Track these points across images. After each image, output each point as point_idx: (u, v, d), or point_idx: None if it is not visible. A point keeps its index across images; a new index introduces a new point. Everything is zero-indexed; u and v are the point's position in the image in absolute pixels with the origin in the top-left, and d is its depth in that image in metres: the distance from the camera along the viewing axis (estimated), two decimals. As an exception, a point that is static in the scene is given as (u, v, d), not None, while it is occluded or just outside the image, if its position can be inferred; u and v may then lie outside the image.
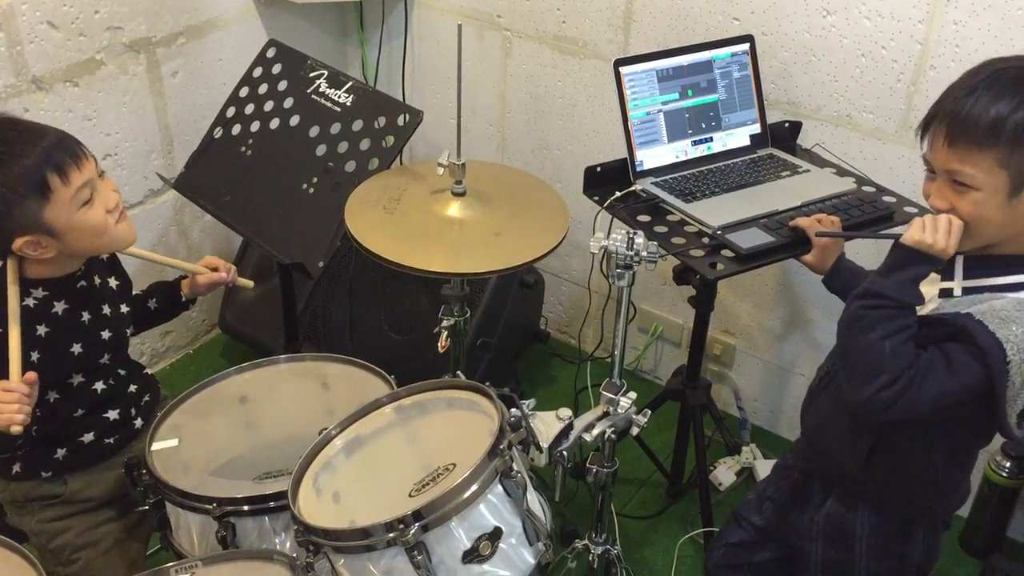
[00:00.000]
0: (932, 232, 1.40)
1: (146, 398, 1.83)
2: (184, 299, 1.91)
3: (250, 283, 2.02)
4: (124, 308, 1.77)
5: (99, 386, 1.71)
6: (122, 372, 1.77)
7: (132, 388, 1.80)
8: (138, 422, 1.80)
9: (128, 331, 1.78)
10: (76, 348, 1.65)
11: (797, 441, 1.82)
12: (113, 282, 1.76)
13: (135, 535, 1.81)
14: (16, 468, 1.70)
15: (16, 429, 1.44)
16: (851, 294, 1.48)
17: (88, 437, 1.72)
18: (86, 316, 1.67)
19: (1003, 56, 1.42)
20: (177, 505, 1.60)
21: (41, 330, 1.60)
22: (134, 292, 1.85)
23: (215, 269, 1.90)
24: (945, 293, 1.47)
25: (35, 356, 1.58)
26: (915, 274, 1.43)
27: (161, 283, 1.93)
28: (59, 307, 1.63)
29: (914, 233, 1.42)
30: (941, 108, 1.41)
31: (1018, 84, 1.35)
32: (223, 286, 1.93)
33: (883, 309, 1.42)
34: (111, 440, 1.75)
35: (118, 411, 1.76)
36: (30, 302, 1.60)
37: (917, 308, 1.46)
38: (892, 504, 1.61)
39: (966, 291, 1.45)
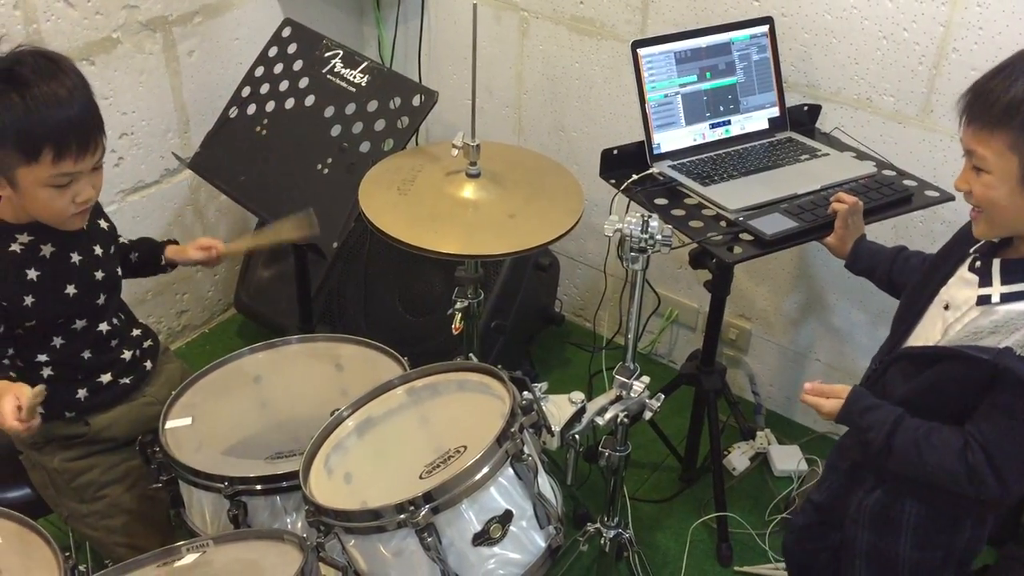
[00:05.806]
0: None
1: (148, 342, 1.86)
2: (164, 263, 1.91)
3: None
4: (113, 248, 1.78)
5: (103, 327, 1.73)
6: (122, 315, 1.80)
7: (135, 332, 1.83)
8: (147, 364, 1.83)
9: (119, 271, 1.79)
10: (71, 289, 1.66)
11: (847, 432, 1.73)
12: (103, 223, 1.77)
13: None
14: (39, 408, 1.71)
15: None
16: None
17: (105, 378, 1.75)
18: (76, 257, 1.67)
19: None
20: (189, 484, 1.61)
21: (32, 274, 1.61)
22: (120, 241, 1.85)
23: (209, 249, 1.90)
24: (983, 300, 1.41)
25: (29, 300, 1.60)
26: (855, 425, 1.53)
27: (149, 240, 1.92)
28: (46, 250, 1.63)
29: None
30: (972, 86, 1.38)
31: None
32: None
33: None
34: (127, 380, 1.78)
35: (126, 351, 1.78)
36: (16, 248, 1.60)
37: (946, 322, 1.46)
38: (941, 497, 1.53)
39: (1004, 297, 1.39)
